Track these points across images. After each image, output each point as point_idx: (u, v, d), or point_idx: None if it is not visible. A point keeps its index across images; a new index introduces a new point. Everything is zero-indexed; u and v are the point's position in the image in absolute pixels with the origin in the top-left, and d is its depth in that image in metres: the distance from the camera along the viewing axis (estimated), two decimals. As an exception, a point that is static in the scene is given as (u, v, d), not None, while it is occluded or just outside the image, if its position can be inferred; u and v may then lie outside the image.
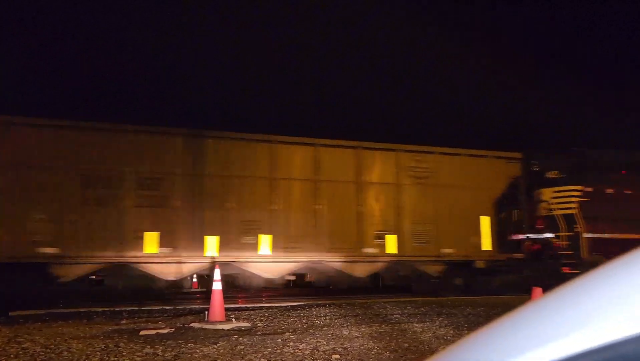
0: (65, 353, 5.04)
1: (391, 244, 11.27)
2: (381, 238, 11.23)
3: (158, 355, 4.97)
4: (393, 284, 12.88)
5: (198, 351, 5.10)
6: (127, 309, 8.83)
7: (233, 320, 7.20)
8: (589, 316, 0.54)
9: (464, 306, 9.10)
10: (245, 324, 6.92)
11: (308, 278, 12.40)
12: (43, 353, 5.01)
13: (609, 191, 13.27)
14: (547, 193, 13.10)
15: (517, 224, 12.66)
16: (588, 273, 0.61)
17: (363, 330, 6.44)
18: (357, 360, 4.84)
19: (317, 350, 5.16)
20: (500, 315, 0.67)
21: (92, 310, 8.69)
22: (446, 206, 11.79)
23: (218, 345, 5.38)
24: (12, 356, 4.93)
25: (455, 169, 12.07)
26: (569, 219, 12.72)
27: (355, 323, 7.03)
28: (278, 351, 5.10)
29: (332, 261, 10.84)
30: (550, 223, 12.78)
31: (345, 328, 6.56)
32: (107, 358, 4.83)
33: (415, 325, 6.87)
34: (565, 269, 12.39)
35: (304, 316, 7.68)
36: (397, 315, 7.88)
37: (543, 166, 13.68)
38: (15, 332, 6.21)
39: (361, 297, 10.79)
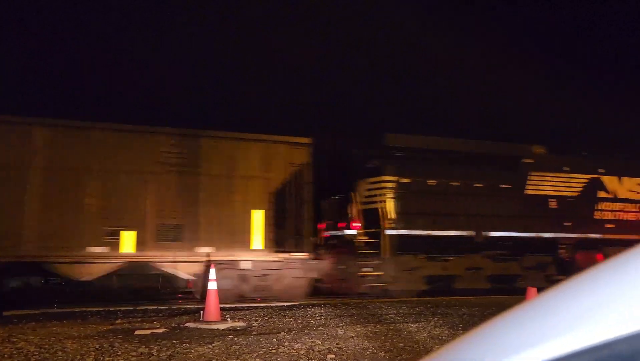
0: (60, 353, 5.02)
1: (128, 242, 9.58)
2: (115, 234, 9.51)
3: (153, 355, 4.96)
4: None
5: (193, 351, 5.09)
6: (122, 309, 8.80)
7: (228, 319, 7.19)
8: (584, 315, 0.54)
9: (458, 306, 9.12)
10: (241, 324, 6.91)
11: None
12: (37, 353, 4.99)
13: (431, 183, 11.94)
14: (362, 185, 11.69)
15: (309, 218, 10.89)
16: (583, 272, 0.61)
17: (358, 329, 6.45)
18: (352, 360, 4.85)
19: (313, 350, 5.16)
20: (495, 315, 0.67)
21: (87, 309, 8.66)
22: (207, 197, 10.17)
23: (213, 344, 5.37)
24: (6, 356, 4.90)
25: (222, 156, 10.46)
26: (376, 213, 11.31)
27: (350, 323, 7.04)
28: (273, 351, 5.10)
29: (45, 262, 9.22)
30: (362, 218, 11.42)
31: (341, 328, 6.56)
32: (101, 358, 4.82)
33: (410, 324, 6.89)
34: (366, 271, 11.05)
35: (299, 316, 7.68)
36: (392, 315, 7.89)
37: (362, 154, 12.05)
38: (9, 332, 6.18)
39: (356, 297, 10.80)
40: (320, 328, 6.58)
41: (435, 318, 7.48)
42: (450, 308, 8.82)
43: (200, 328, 6.54)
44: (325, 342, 5.56)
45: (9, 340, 5.65)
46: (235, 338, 5.69)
